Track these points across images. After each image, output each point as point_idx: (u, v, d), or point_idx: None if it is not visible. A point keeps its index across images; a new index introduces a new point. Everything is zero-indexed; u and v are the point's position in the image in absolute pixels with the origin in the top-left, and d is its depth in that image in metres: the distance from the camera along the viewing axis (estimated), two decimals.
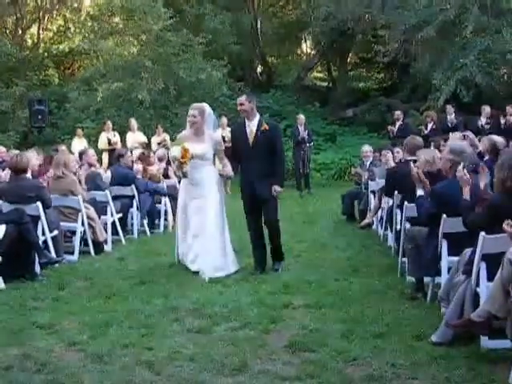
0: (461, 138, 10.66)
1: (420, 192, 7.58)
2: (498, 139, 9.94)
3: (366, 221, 12.54)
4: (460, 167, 6.76)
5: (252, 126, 9.00)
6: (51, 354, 6.07)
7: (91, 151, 12.73)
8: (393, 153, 12.65)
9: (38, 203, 9.42)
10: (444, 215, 7.06)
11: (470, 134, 11.47)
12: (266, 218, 9.09)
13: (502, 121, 16.73)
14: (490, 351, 5.88)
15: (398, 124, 18.85)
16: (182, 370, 5.61)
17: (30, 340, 6.45)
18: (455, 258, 6.94)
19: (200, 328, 6.72)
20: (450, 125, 17.85)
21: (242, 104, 8.99)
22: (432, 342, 6.14)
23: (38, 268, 9.18)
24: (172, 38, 22.62)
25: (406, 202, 8.44)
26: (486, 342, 5.94)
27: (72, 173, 10.77)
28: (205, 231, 9.14)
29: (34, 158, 10.96)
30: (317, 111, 27.52)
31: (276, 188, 8.90)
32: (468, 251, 6.57)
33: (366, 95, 28.63)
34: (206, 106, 9.56)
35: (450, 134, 13.64)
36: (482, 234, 6.02)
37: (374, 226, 12.59)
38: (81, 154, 12.58)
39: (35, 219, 9.35)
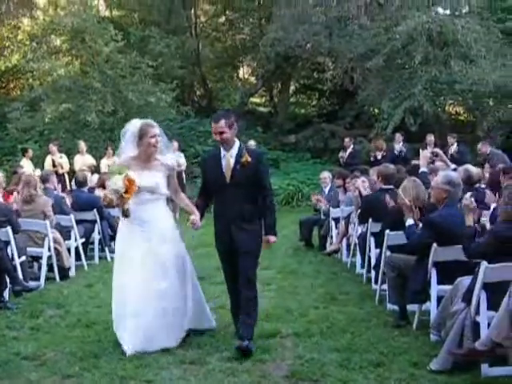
0: (431, 156, 10.79)
1: (410, 221, 7.62)
2: (474, 170, 10.15)
3: (333, 247, 12.58)
4: (468, 195, 6.84)
5: (229, 157, 6.91)
6: None
7: (54, 175, 12.46)
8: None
9: (8, 228, 9.17)
10: (434, 244, 7.13)
11: (439, 151, 11.65)
12: (242, 276, 6.86)
13: (450, 151, 16.99)
14: (491, 379, 5.94)
15: (348, 151, 19.05)
16: None
17: (20, 372, 6.25)
18: (445, 287, 7.04)
19: (193, 359, 6.59)
20: (397, 153, 18.13)
21: (222, 132, 6.84)
22: (431, 369, 6.16)
23: (6, 296, 8.91)
24: (121, 60, 22.40)
25: (387, 230, 8.49)
26: (486, 369, 6.00)
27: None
28: (161, 299, 7.02)
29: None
30: (260, 137, 27.58)
31: (270, 239, 6.96)
32: (463, 279, 6.66)
33: (308, 121, 28.81)
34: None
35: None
36: (484, 263, 6.09)
37: (339, 253, 12.60)
38: (44, 177, 12.23)
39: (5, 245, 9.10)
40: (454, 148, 16.99)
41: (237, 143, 6.98)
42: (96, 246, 12.33)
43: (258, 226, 7.00)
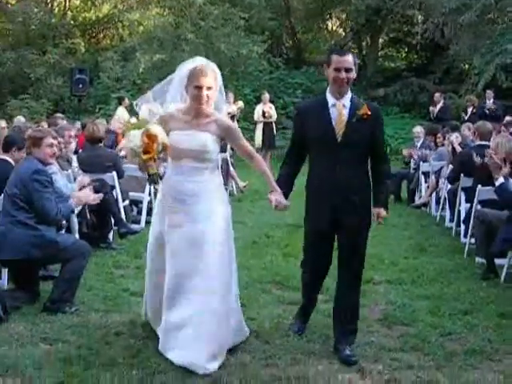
0: None
1: (501, 180, 7.76)
2: None
3: (422, 200, 12.82)
4: None
5: (341, 107, 5.37)
6: None
7: None
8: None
9: (114, 173, 9.71)
10: None
11: None
12: (348, 264, 5.51)
13: None
14: None
15: (438, 106, 18.98)
16: (290, 339, 5.87)
17: (129, 307, 6.70)
18: None
19: (291, 300, 6.96)
20: (487, 110, 18.02)
21: (348, 69, 5.30)
22: None
23: (111, 236, 9.48)
24: (213, 12, 22.70)
25: (479, 186, 8.69)
26: None
27: None
28: (201, 289, 5.30)
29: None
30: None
31: (381, 212, 5.55)
32: None
33: (397, 75, 28.64)
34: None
35: None
36: None
37: (427, 207, 12.82)
38: None
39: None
40: None
41: (349, 92, 5.43)
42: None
43: (370, 201, 5.59)
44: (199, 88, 5.30)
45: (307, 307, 6.14)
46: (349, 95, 5.39)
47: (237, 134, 5.60)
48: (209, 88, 5.34)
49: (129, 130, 5.33)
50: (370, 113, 5.35)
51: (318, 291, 6.13)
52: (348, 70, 5.27)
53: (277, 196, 5.38)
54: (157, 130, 5.19)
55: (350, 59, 5.29)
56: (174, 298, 5.37)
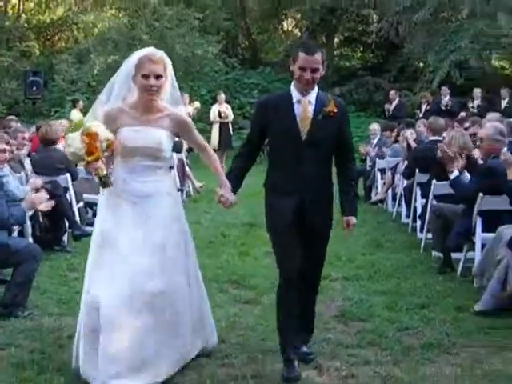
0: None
1: (455, 173, 7.79)
2: None
3: (379, 197, 12.89)
4: (504, 149, 7.04)
5: (306, 103, 5.04)
6: None
7: None
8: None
9: (68, 175, 9.57)
10: (481, 194, 7.35)
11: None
12: (308, 264, 5.13)
13: (503, 103, 17.08)
14: None
15: (394, 103, 19.14)
16: (246, 338, 5.84)
17: None
18: (489, 235, 7.27)
19: (247, 299, 6.97)
20: (443, 107, 18.20)
21: (315, 70, 4.92)
22: (475, 311, 6.46)
23: (65, 239, 9.35)
24: (168, 12, 22.62)
25: (434, 181, 8.73)
26: None
27: None
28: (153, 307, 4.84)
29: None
30: None
31: (351, 220, 5.25)
32: (505, 228, 6.93)
33: (353, 74, 28.78)
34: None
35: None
36: None
37: (384, 203, 12.88)
38: None
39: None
40: (505, 102, 17.12)
41: (315, 88, 5.07)
42: None
43: (332, 203, 5.25)
44: (147, 76, 4.84)
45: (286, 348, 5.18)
46: (315, 91, 5.04)
47: (191, 128, 5.20)
48: (158, 77, 4.86)
49: (69, 131, 4.97)
50: (336, 110, 5.01)
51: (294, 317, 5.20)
52: (314, 70, 4.91)
53: (224, 192, 5.02)
54: (96, 127, 4.77)
55: (317, 58, 4.91)
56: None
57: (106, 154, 4.91)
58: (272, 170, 5.24)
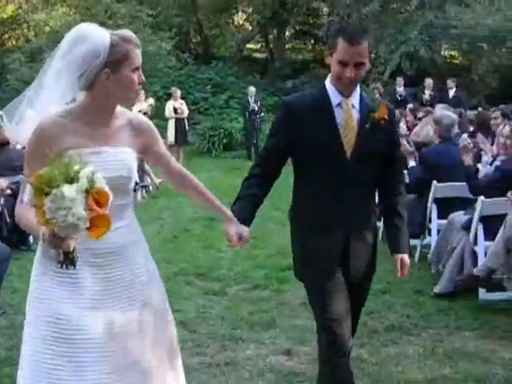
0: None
1: (412, 163, 8.12)
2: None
3: None
4: (465, 135, 7.35)
5: (349, 107, 3.73)
6: None
7: None
8: None
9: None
10: (434, 181, 7.66)
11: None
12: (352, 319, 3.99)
13: (450, 94, 17.50)
14: (487, 302, 6.60)
15: None
16: (217, 328, 6.03)
17: None
18: (444, 221, 7.59)
19: (215, 290, 7.15)
20: (399, 97, 18.53)
21: (361, 64, 3.61)
22: (435, 293, 6.82)
23: (31, 239, 9.39)
24: (120, 10, 22.61)
25: None
26: (484, 294, 6.67)
27: None
28: None
29: None
30: (257, 82, 27.88)
31: (405, 259, 4.10)
32: (456, 215, 7.29)
33: (305, 67, 29.07)
34: None
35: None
36: (481, 198, 6.66)
37: None
38: None
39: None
40: (452, 92, 17.54)
41: (358, 88, 3.78)
42: None
43: (376, 235, 4.15)
44: (136, 69, 3.10)
45: None
46: (358, 92, 3.76)
47: (159, 138, 3.43)
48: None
49: (51, 185, 2.64)
50: (386, 117, 3.77)
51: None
52: (359, 65, 3.60)
53: (235, 227, 3.64)
54: (101, 179, 2.76)
55: (363, 50, 3.60)
56: None
57: None
58: (302, 197, 3.92)
